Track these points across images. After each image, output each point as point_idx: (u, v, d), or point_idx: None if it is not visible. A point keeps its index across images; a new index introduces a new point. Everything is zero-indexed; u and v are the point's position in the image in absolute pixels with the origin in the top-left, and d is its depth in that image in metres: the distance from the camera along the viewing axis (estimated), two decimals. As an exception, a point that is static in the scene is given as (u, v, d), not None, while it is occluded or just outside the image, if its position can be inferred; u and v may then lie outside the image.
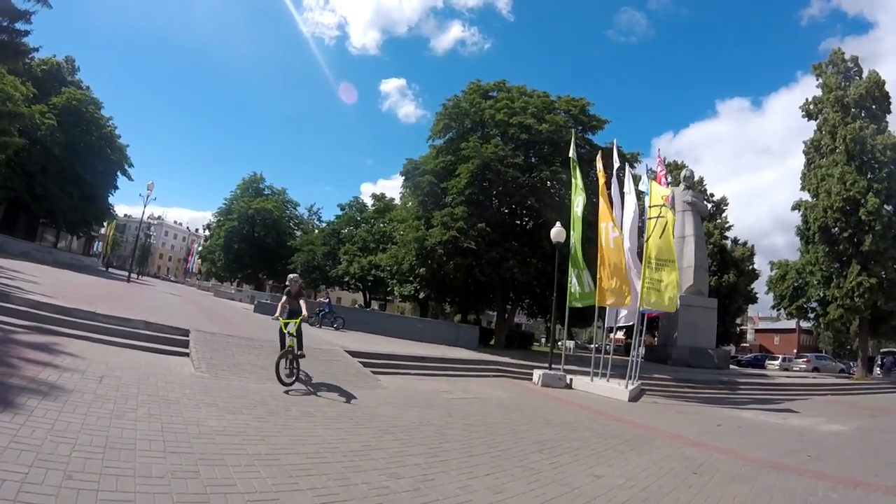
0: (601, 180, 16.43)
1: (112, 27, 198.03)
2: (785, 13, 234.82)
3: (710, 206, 42.76)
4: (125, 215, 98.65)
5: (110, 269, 45.21)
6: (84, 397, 5.51)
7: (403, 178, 29.51)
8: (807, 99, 34.52)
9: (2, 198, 38.56)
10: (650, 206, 15.03)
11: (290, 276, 9.78)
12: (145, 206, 36.90)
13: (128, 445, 4.30)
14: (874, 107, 31.37)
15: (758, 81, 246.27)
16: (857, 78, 32.56)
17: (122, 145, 48.45)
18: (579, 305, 16.18)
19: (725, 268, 42.78)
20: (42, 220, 46.54)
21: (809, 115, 34.44)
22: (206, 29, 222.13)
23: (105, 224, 58.47)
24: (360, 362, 11.98)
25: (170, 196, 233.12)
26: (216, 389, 7.26)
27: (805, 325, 50.00)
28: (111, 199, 51.96)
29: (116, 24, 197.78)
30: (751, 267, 45.67)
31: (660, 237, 14.69)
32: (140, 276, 49.82)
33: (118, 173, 48.84)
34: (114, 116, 51.55)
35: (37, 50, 26.63)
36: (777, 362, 41.97)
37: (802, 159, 34.52)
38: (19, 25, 22.05)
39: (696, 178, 40.06)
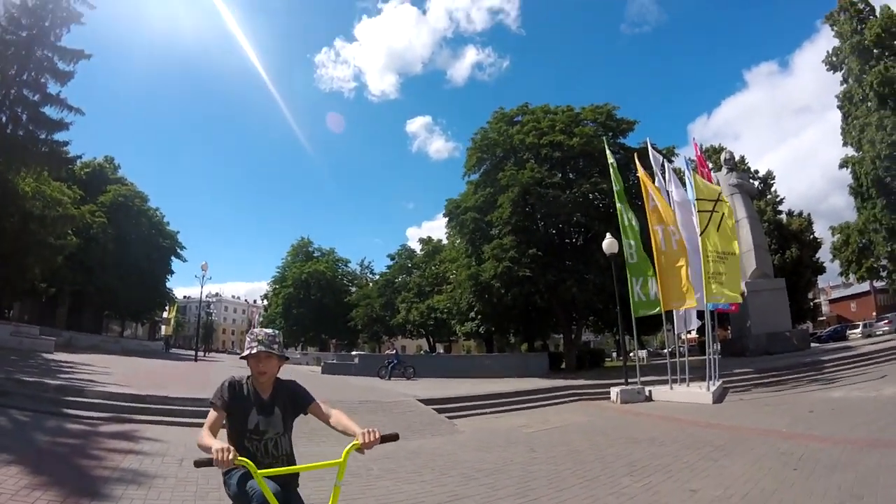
0: (645, 183, 15.76)
1: (147, 116, 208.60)
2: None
3: (756, 183, 41.30)
4: (184, 296, 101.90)
5: (171, 350, 46.85)
6: (167, 482, 5.55)
7: (447, 218, 29.70)
8: (827, 52, 33.48)
9: (65, 294, 40.74)
10: (697, 200, 14.53)
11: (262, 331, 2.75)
12: (202, 287, 37.99)
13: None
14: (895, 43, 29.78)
15: (780, 41, 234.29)
16: (872, 17, 31.01)
17: (173, 232, 51.01)
18: (649, 313, 15.58)
19: (785, 244, 40.96)
20: (105, 312, 48.77)
21: (834, 68, 33.24)
22: (220, 99, 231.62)
23: (167, 308, 60.70)
24: (434, 409, 11.83)
25: (224, 271, 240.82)
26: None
27: (879, 284, 47.12)
28: (169, 283, 54.21)
29: (151, 112, 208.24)
30: (811, 236, 43.70)
31: (716, 230, 14.20)
32: (206, 354, 51.32)
33: (172, 258, 50.95)
34: (161, 206, 54.10)
35: (79, 157, 28.33)
36: (858, 330, 39.19)
37: (839, 114, 33.28)
38: (58, 136, 23.53)
39: (738, 158, 39.00)
